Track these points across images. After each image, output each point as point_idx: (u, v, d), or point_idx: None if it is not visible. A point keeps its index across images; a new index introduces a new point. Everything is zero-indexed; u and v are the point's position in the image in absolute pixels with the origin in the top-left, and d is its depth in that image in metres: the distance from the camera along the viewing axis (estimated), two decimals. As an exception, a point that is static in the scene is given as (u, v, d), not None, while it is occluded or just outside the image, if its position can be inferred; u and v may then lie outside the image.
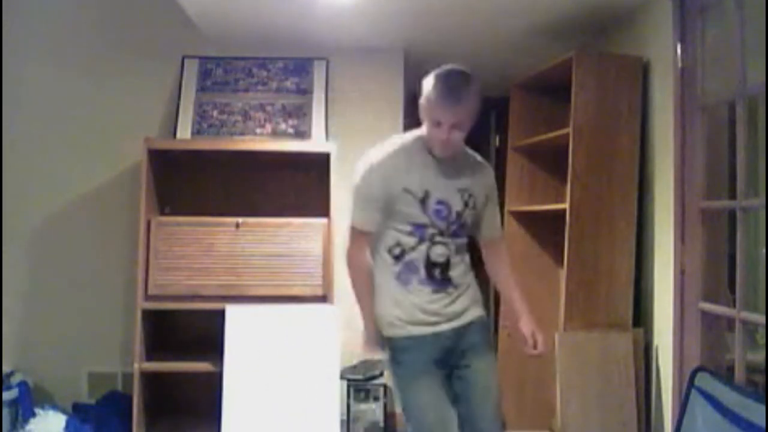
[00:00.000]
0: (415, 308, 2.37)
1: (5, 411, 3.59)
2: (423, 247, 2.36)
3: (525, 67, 4.02)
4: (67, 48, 4.15)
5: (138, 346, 3.59)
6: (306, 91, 4.05)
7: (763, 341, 3.08)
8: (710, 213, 2.96)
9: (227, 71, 4.08)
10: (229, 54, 4.10)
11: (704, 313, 2.92)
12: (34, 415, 3.67)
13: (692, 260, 2.97)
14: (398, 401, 2.44)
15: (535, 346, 2.53)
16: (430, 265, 2.37)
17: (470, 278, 2.51)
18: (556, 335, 3.38)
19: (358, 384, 3.81)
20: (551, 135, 3.74)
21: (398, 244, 2.36)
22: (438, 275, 2.38)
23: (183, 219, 3.71)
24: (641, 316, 3.44)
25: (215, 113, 3.98)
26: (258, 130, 3.95)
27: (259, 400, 3.43)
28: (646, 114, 3.46)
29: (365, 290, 2.41)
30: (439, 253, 2.37)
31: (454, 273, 2.42)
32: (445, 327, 2.40)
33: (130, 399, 3.64)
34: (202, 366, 3.60)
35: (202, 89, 4.03)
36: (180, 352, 3.78)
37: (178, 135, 3.88)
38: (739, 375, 2.63)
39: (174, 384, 3.90)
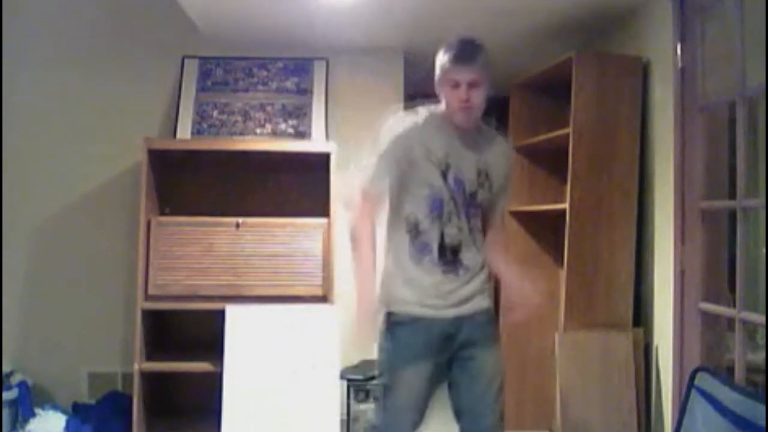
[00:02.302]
0: (424, 288, 2.35)
1: (5, 411, 3.59)
2: (437, 226, 2.34)
3: (525, 67, 4.02)
4: (67, 48, 4.15)
5: (138, 346, 3.59)
6: (306, 91, 4.05)
7: (763, 341, 3.08)
8: (710, 213, 2.96)
9: (227, 71, 4.08)
10: (229, 54, 4.10)
11: (704, 313, 2.92)
12: (34, 415, 3.68)
13: (692, 260, 2.96)
14: (380, 375, 2.40)
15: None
16: (443, 245, 2.35)
17: (482, 264, 2.46)
18: (556, 335, 3.38)
19: (358, 384, 3.80)
20: (551, 135, 3.74)
21: (414, 221, 2.35)
22: (450, 256, 2.36)
23: (183, 219, 3.71)
24: (641, 316, 3.44)
25: (215, 113, 3.98)
26: (258, 130, 3.95)
27: (259, 400, 3.43)
28: (646, 114, 3.46)
29: (367, 263, 2.34)
30: (452, 233, 2.36)
31: (466, 256, 2.39)
32: (449, 313, 2.37)
33: (130, 399, 3.64)
34: (202, 366, 3.60)
35: (202, 89, 4.03)
36: (180, 352, 3.78)
37: (178, 135, 3.88)
38: (739, 375, 2.63)
39: (174, 384, 3.91)
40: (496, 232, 2.60)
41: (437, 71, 2.32)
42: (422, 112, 2.40)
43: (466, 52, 2.27)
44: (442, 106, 2.37)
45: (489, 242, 2.55)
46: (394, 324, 2.37)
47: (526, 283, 2.53)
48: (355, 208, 2.36)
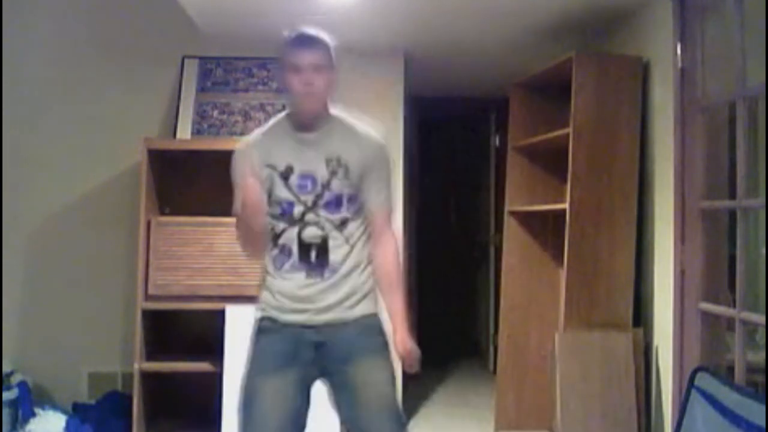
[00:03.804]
0: (283, 295, 2.25)
1: (5, 411, 3.59)
2: (295, 228, 2.23)
3: (525, 67, 4.02)
4: (67, 48, 4.15)
5: (138, 346, 3.59)
6: (306, 91, 4.05)
7: (763, 341, 3.08)
8: (710, 213, 2.96)
9: (227, 71, 4.08)
10: (229, 54, 4.10)
11: (704, 313, 2.92)
12: (34, 415, 3.67)
13: (692, 260, 2.97)
14: (240, 386, 2.25)
15: (410, 365, 2.26)
16: (303, 246, 2.23)
17: (359, 263, 2.28)
18: (556, 335, 3.38)
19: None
20: (551, 135, 3.74)
21: (272, 229, 2.26)
22: (313, 258, 2.22)
23: (183, 219, 3.72)
24: (641, 316, 3.44)
25: (215, 113, 3.98)
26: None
27: (259, 400, 3.42)
28: (646, 114, 3.46)
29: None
30: (312, 233, 2.22)
31: (335, 256, 2.23)
32: (317, 319, 2.23)
33: (130, 399, 3.64)
34: (202, 366, 3.60)
35: (202, 89, 4.03)
36: (180, 352, 3.78)
37: (178, 135, 3.88)
38: (739, 375, 2.63)
39: (174, 384, 3.90)
40: (383, 234, 2.32)
41: (281, 62, 2.25)
42: (270, 122, 2.37)
43: (306, 37, 2.23)
44: (285, 111, 2.33)
45: (374, 248, 2.31)
46: (259, 331, 2.29)
47: (414, 352, 2.24)
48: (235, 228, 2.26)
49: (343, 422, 2.35)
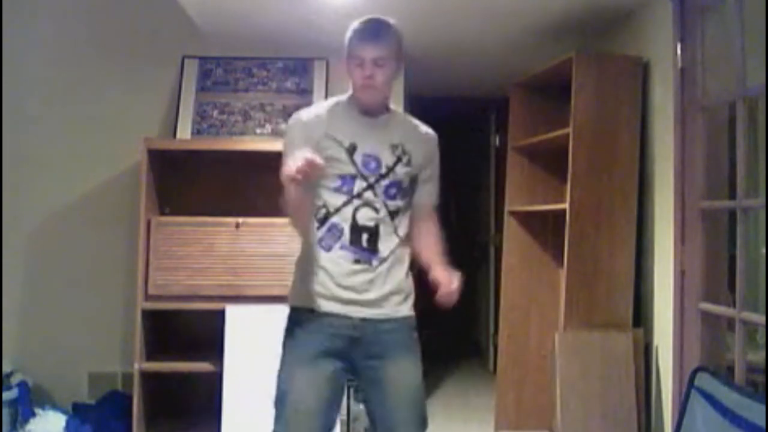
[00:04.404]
0: (329, 278, 2.16)
1: (5, 411, 3.59)
2: (349, 208, 2.15)
3: (525, 67, 4.02)
4: (67, 48, 4.15)
5: (138, 346, 3.59)
6: (306, 91, 4.05)
7: (763, 341, 3.08)
8: (710, 213, 2.96)
9: (227, 71, 4.08)
10: (229, 54, 4.10)
11: (704, 313, 2.92)
12: (34, 415, 3.67)
13: (692, 260, 2.96)
14: (277, 378, 2.22)
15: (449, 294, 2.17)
16: (356, 228, 2.15)
17: (403, 259, 2.23)
18: (556, 335, 3.38)
19: (359, 384, 3.80)
20: (551, 135, 3.75)
21: (324, 205, 2.18)
22: (365, 242, 2.15)
23: (183, 219, 3.71)
24: (641, 316, 3.44)
25: (215, 113, 3.98)
26: (258, 130, 3.95)
27: (259, 400, 3.43)
28: (646, 114, 3.46)
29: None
30: (367, 215, 2.16)
31: (384, 245, 2.17)
32: (358, 312, 2.17)
33: (130, 399, 3.64)
34: (202, 366, 3.60)
35: (202, 89, 4.03)
36: (180, 352, 3.78)
37: (178, 135, 3.88)
38: (739, 375, 2.63)
39: (174, 384, 3.90)
40: (426, 222, 2.35)
41: (345, 50, 2.22)
42: (328, 101, 2.34)
43: (372, 29, 2.20)
44: (349, 92, 2.28)
45: (417, 233, 2.31)
46: (295, 321, 2.22)
47: (453, 279, 2.18)
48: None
49: (369, 416, 2.33)
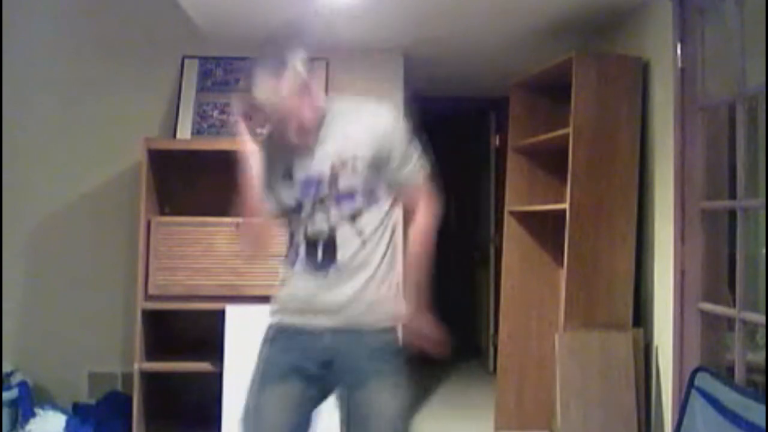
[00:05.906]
0: (290, 295, 2.12)
1: (5, 411, 3.59)
2: (302, 225, 2.08)
3: (525, 67, 4.02)
4: (67, 48, 4.15)
5: (138, 346, 3.59)
6: (306, 91, 4.04)
7: (763, 341, 3.08)
8: (710, 213, 2.96)
9: (227, 71, 4.08)
10: (229, 54, 4.10)
11: (704, 313, 2.92)
12: (34, 415, 3.68)
13: (692, 260, 2.97)
14: (246, 391, 2.18)
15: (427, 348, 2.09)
16: (310, 243, 2.06)
17: (370, 262, 2.05)
18: (556, 335, 3.38)
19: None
20: (551, 135, 3.75)
21: (286, 224, 2.15)
22: (319, 255, 2.05)
23: (183, 219, 3.72)
24: (641, 316, 3.44)
25: (215, 113, 3.98)
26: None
27: (259, 400, 3.43)
28: (646, 114, 3.46)
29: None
30: (317, 229, 2.05)
31: (343, 253, 2.03)
32: (320, 322, 2.05)
33: (130, 399, 3.64)
34: (202, 366, 3.60)
35: (202, 89, 4.04)
36: (180, 352, 3.78)
37: (178, 135, 3.89)
38: (739, 375, 2.63)
39: (174, 384, 3.91)
40: (416, 212, 2.19)
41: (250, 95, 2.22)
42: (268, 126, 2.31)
43: (272, 65, 2.22)
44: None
45: (408, 227, 2.19)
46: (266, 340, 2.18)
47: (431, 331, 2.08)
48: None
49: None
